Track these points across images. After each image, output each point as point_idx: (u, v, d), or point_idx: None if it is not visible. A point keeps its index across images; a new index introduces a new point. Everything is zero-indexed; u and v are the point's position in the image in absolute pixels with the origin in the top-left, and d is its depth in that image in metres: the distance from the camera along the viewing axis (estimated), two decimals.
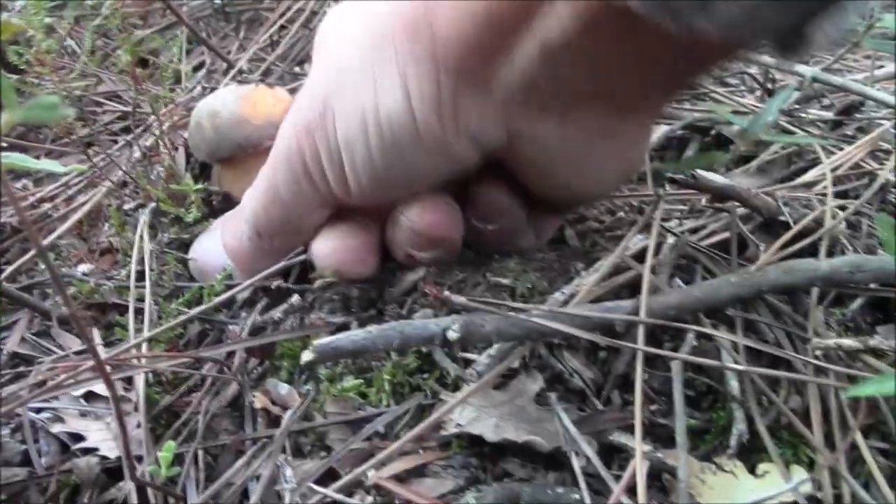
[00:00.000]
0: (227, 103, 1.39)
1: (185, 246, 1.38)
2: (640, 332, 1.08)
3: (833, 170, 1.46)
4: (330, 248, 1.22)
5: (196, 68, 2.02)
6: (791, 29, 0.82)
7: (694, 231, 1.31)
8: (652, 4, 0.79)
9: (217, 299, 1.21)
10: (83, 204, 1.50)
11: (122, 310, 1.30)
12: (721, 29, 0.79)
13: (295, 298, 1.19)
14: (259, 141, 1.36)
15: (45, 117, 0.61)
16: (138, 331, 1.22)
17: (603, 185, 1.25)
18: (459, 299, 1.12)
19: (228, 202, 1.39)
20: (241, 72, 1.84)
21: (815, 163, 1.53)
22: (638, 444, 0.97)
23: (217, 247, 1.30)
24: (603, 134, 1.12)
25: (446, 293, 1.13)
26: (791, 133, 1.60)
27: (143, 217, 1.39)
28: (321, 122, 1.10)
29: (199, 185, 1.39)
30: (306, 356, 1.02)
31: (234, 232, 1.27)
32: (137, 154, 1.49)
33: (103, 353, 1.19)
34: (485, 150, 1.11)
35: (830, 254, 1.26)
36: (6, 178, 0.65)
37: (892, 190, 1.44)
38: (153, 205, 1.40)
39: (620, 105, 1.09)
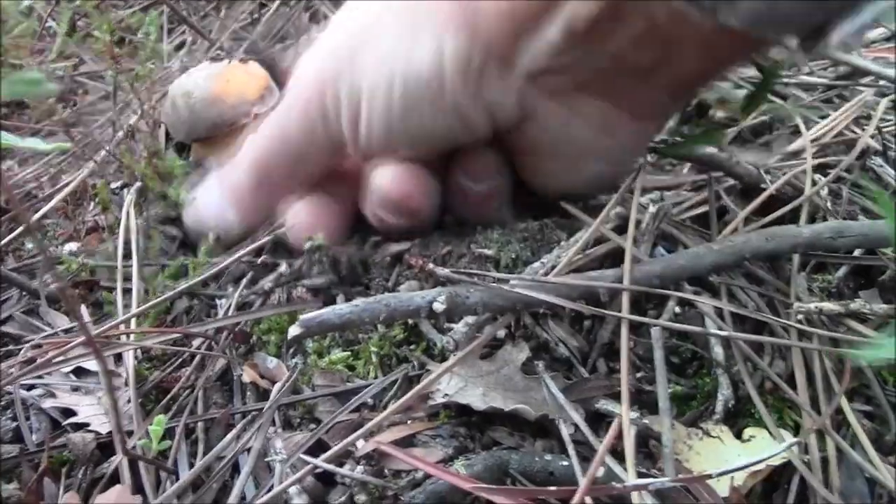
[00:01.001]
0: (200, 83, 1.40)
1: (171, 222, 1.38)
2: (625, 300, 1.09)
3: (814, 140, 1.47)
4: (303, 215, 1.25)
5: (178, 47, 2.02)
6: (816, 27, 0.84)
7: (675, 203, 1.32)
8: None
9: (203, 275, 1.22)
10: (67, 184, 1.50)
11: (110, 287, 1.30)
12: (744, 22, 0.81)
13: (283, 268, 1.20)
14: (234, 118, 1.38)
15: (29, 92, 0.61)
16: (126, 307, 1.23)
17: (590, 183, 1.30)
18: (444, 271, 1.13)
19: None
20: (220, 49, 1.84)
21: (797, 131, 1.53)
22: (625, 412, 0.98)
23: (213, 198, 1.32)
24: (606, 132, 1.17)
25: (431, 265, 1.14)
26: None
27: (129, 195, 1.39)
28: (348, 69, 1.15)
29: (183, 161, 1.40)
30: (293, 330, 1.03)
31: (233, 183, 1.30)
32: (120, 133, 1.49)
33: (93, 329, 1.19)
34: (496, 123, 1.17)
35: (812, 221, 1.27)
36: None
37: (873, 157, 1.44)
38: (139, 184, 1.40)
39: (627, 107, 1.15)
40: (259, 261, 1.24)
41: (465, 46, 1.08)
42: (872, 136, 1.46)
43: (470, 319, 1.09)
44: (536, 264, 1.15)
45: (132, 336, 1.17)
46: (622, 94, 1.13)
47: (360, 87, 1.14)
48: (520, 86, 1.12)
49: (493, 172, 1.24)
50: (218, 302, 1.23)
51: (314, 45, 1.23)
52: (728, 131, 1.57)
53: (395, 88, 1.12)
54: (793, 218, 1.28)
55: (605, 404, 1.05)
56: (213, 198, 1.32)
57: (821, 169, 1.40)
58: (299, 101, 1.21)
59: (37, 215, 1.45)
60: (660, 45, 1.03)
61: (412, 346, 1.13)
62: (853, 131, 1.51)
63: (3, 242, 1.38)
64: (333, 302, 1.19)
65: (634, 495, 0.90)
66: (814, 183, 1.32)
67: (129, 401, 1.09)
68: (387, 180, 1.20)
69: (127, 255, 1.31)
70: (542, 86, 1.12)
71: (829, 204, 1.31)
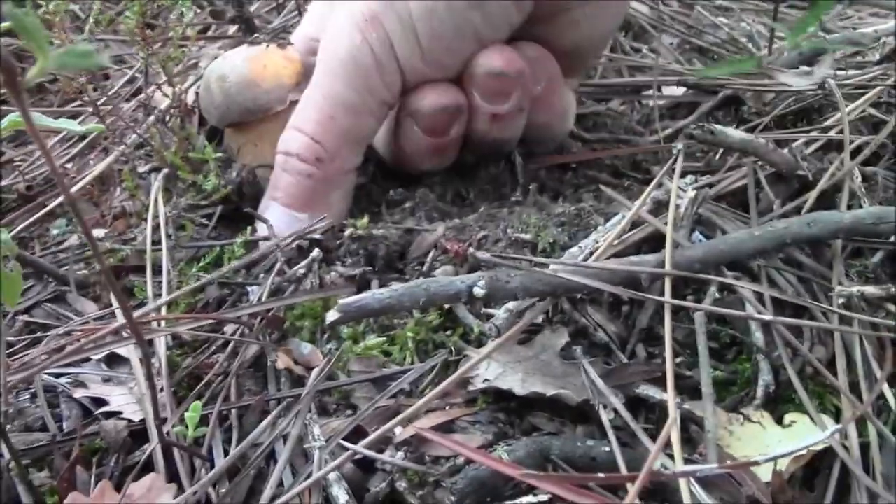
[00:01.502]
0: (236, 66, 1.37)
1: (202, 212, 1.37)
2: (668, 285, 1.08)
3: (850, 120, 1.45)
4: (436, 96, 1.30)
5: (202, 31, 2.01)
6: None
7: (710, 186, 1.31)
8: None
9: (239, 263, 1.21)
10: (93, 168, 1.48)
11: (138, 273, 1.29)
12: None
13: (315, 252, 1.19)
14: (268, 105, 1.35)
15: (82, 64, 0.60)
16: (157, 295, 1.22)
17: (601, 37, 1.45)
18: (484, 255, 1.12)
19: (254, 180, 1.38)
20: (250, 30, 1.83)
21: (827, 117, 1.52)
22: (671, 399, 0.97)
23: (282, 215, 1.30)
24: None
25: (470, 249, 1.13)
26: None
27: (157, 182, 1.38)
28: (389, 6, 1.22)
29: (218, 154, 1.38)
30: (331, 315, 1.02)
31: (287, 186, 1.30)
32: (152, 118, 1.48)
33: (121, 317, 1.18)
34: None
35: (849, 207, 1.26)
36: (39, 135, 0.64)
37: None
38: (166, 170, 1.39)
39: None
40: (295, 244, 1.22)
41: None
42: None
43: (511, 305, 1.08)
44: (575, 249, 1.14)
45: (163, 323, 1.16)
46: None
47: (409, 16, 1.21)
48: None
49: (518, 75, 1.30)
50: (250, 289, 1.21)
51: (333, 21, 1.28)
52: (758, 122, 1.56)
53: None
54: (830, 204, 1.26)
55: (645, 389, 1.04)
56: (280, 214, 1.30)
57: (858, 152, 1.38)
58: (344, 63, 1.25)
59: (59, 199, 1.45)
60: None
61: (448, 332, 1.11)
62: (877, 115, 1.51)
63: (27, 223, 1.38)
64: (367, 287, 1.17)
65: (682, 482, 0.89)
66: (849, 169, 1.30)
67: (161, 389, 1.07)
68: (492, 59, 1.27)
69: (156, 242, 1.29)
70: None
71: (862, 191, 1.29)
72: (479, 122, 1.32)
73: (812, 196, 1.27)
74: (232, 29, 1.95)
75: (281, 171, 1.29)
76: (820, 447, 0.98)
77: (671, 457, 0.93)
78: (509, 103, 1.29)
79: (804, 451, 0.97)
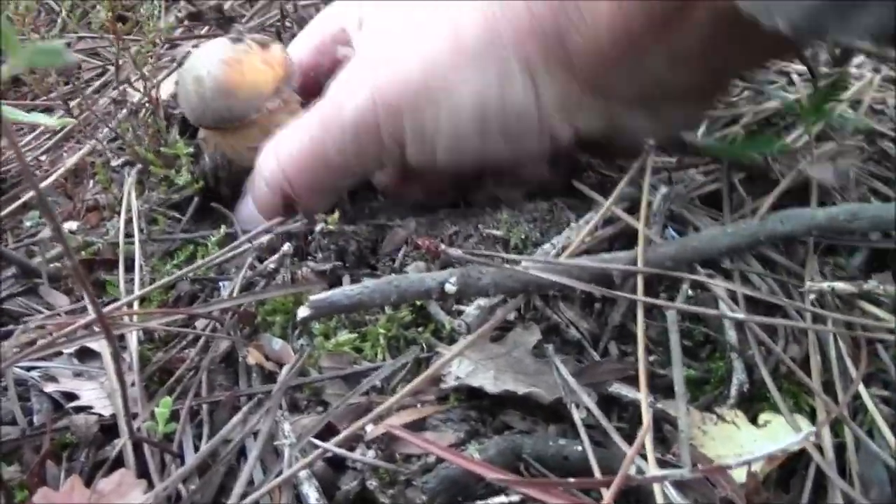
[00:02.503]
0: (212, 70, 1.31)
1: (174, 206, 1.36)
2: (640, 283, 1.08)
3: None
4: None
5: (178, 21, 2.00)
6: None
7: (684, 185, 1.31)
8: (752, 4, 0.90)
9: (212, 261, 1.20)
10: (67, 161, 1.48)
11: (110, 267, 1.29)
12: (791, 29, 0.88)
13: (287, 247, 1.18)
14: (244, 114, 1.31)
15: (50, 62, 0.60)
16: (129, 291, 1.21)
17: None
18: (455, 251, 1.11)
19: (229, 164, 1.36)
20: (229, 21, 1.81)
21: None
22: (644, 399, 0.97)
23: (251, 212, 1.30)
24: (683, 122, 1.31)
25: (441, 246, 1.12)
26: None
27: (131, 177, 1.37)
28: (415, 106, 1.15)
29: (189, 149, 1.35)
30: (302, 312, 1.02)
31: (261, 198, 1.28)
32: (124, 112, 1.47)
33: (94, 311, 1.17)
34: (580, 138, 1.21)
35: (821, 204, 1.26)
36: (10, 130, 0.64)
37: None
38: (139, 164, 1.38)
39: (704, 97, 1.26)
40: (266, 239, 1.22)
41: (561, 85, 1.13)
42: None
43: (482, 302, 1.08)
44: (547, 245, 1.15)
45: (135, 318, 1.15)
46: (705, 90, 1.23)
47: (435, 126, 1.15)
48: (611, 106, 1.17)
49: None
50: (221, 284, 1.21)
51: (364, 60, 1.22)
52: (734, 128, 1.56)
53: (489, 127, 1.15)
54: (802, 201, 1.27)
55: (617, 388, 1.04)
56: (249, 211, 1.30)
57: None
58: (343, 129, 1.19)
59: (31, 192, 1.44)
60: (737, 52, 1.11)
61: (420, 329, 1.11)
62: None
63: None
64: (339, 282, 1.17)
65: (655, 487, 0.89)
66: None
67: (132, 383, 1.06)
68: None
69: (128, 235, 1.29)
70: (634, 101, 1.17)
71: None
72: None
73: (776, 192, 1.28)
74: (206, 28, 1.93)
75: (257, 177, 1.28)
76: (794, 449, 0.98)
77: (645, 457, 0.93)
78: None
79: (778, 452, 0.97)
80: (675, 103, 1.20)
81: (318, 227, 1.20)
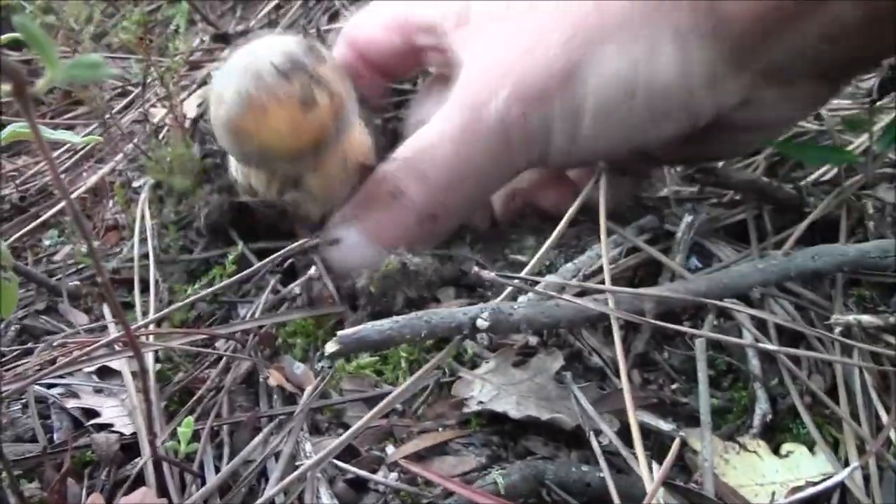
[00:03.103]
0: (228, 101, 1.10)
1: (191, 226, 1.35)
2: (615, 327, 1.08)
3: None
4: None
5: (198, 43, 2.01)
6: None
7: (708, 215, 1.31)
8: None
9: (230, 280, 1.19)
10: (86, 180, 1.48)
11: (129, 287, 1.29)
12: None
13: (312, 271, 1.17)
14: (258, 164, 1.20)
15: (90, 75, 0.60)
16: (145, 313, 1.21)
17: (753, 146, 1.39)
18: (487, 274, 1.10)
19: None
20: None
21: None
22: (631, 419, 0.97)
23: (359, 241, 1.21)
24: (814, 102, 1.28)
25: (475, 268, 1.11)
26: None
27: (144, 193, 1.37)
28: (563, 86, 1.11)
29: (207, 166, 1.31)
30: (330, 347, 0.99)
31: (394, 226, 1.20)
32: (147, 130, 1.47)
33: (114, 330, 1.18)
34: (716, 115, 1.16)
35: (850, 236, 1.26)
36: (46, 146, 0.64)
37: None
38: (152, 181, 1.38)
39: (843, 76, 1.22)
40: (287, 264, 1.21)
41: (711, 55, 1.09)
42: None
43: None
44: (570, 265, 1.14)
45: (152, 337, 1.15)
46: (841, 68, 1.17)
47: (584, 104, 1.12)
48: (753, 79, 1.12)
49: None
50: (241, 306, 1.21)
51: (490, 57, 1.17)
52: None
53: (637, 101, 1.11)
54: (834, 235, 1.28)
55: (640, 415, 1.03)
56: (358, 241, 1.21)
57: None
58: (487, 133, 1.14)
59: (52, 210, 1.45)
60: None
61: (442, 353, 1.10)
62: None
63: (21, 233, 1.37)
64: (356, 301, 1.18)
65: None
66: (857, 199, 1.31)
67: (152, 402, 1.06)
68: None
69: (146, 256, 1.29)
70: (773, 76, 1.13)
71: (871, 222, 1.29)
72: None
73: (802, 226, 1.28)
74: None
75: (384, 198, 1.21)
76: (831, 483, 0.97)
77: (666, 485, 0.93)
78: None
79: (803, 484, 0.96)
80: (812, 81, 1.16)
81: (359, 284, 1.17)
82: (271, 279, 1.21)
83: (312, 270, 1.17)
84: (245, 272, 1.20)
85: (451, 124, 1.16)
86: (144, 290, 1.26)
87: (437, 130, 1.18)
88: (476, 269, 1.10)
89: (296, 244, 1.20)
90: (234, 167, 1.27)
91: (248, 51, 1.13)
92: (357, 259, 1.19)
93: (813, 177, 1.46)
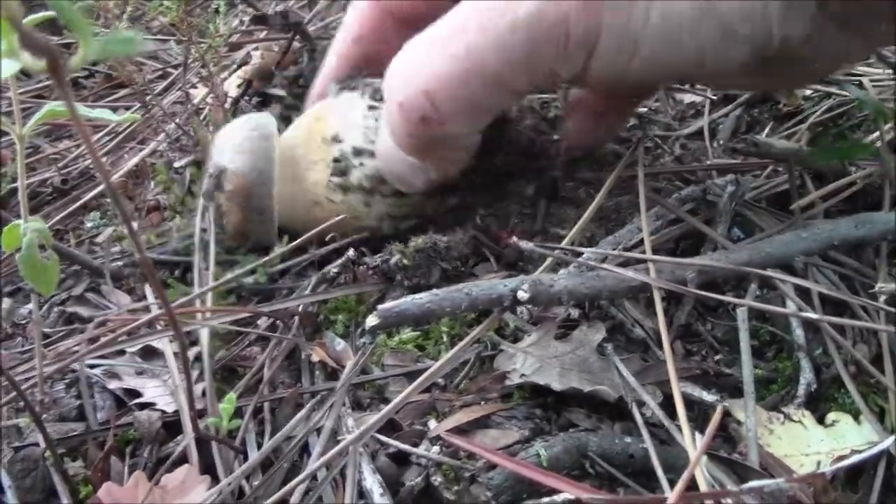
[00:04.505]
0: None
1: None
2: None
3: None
4: None
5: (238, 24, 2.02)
6: None
7: (748, 184, 1.30)
8: None
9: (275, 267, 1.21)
10: (128, 162, 1.49)
11: (170, 269, 1.29)
12: None
13: (351, 252, 1.17)
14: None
15: (125, 51, 0.59)
16: (185, 293, 1.21)
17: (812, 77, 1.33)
18: (526, 244, 1.09)
19: None
20: (304, 37, 1.80)
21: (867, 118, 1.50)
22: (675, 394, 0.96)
23: (394, 148, 1.14)
24: (872, 45, 1.21)
25: (514, 239, 1.11)
26: None
27: (188, 171, 1.37)
28: (626, 10, 0.96)
29: None
30: (371, 321, 0.99)
31: (395, 128, 1.11)
32: (189, 110, 1.47)
33: (156, 309, 1.18)
34: (779, 48, 1.02)
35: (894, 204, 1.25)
36: (83, 124, 0.63)
37: None
38: (191, 158, 1.38)
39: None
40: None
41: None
42: None
43: None
44: (610, 237, 1.14)
45: (199, 315, 1.16)
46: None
47: (647, 17, 0.95)
48: (813, 15, 0.98)
49: None
50: (283, 284, 1.21)
51: None
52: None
53: (708, 20, 0.96)
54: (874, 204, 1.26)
55: (683, 386, 1.02)
56: (393, 148, 1.14)
57: None
58: (521, 23, 0.96)
59: (93, 192, 1.45)
60: None
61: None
62: None
63: (61, 219, 1.38)
64: (394, 278, 1.18)
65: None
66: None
67: (199, 380, 1.07)
68: None
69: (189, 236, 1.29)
70: (833, 15, 0.99)
71: None
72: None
73: (844, 195, 1.27)
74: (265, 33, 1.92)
75: (392, 107, 1.10)
76: (876, 450, 0.96)
77: (710, 456, 0.92)
78: None
79: (848, 452, 0.96)
80: (877, 20, 1.03)
81: (392, 260, 1.17)
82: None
83: (350, 252, 1.17)
84: (293, 244, 1.21)
85: (464, 18, 1.03)
86: (186, 271, 1.26)
87: (449, 23, 1.05)
88: (514, 239, 1.10)
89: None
90: None
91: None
92: (400, 168, 1.16)
93: None
